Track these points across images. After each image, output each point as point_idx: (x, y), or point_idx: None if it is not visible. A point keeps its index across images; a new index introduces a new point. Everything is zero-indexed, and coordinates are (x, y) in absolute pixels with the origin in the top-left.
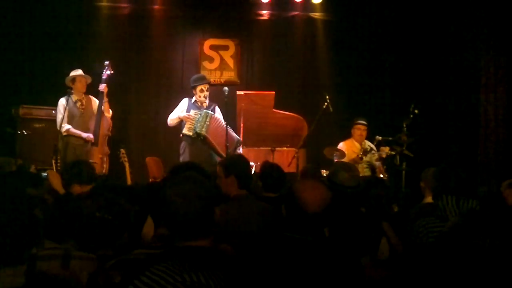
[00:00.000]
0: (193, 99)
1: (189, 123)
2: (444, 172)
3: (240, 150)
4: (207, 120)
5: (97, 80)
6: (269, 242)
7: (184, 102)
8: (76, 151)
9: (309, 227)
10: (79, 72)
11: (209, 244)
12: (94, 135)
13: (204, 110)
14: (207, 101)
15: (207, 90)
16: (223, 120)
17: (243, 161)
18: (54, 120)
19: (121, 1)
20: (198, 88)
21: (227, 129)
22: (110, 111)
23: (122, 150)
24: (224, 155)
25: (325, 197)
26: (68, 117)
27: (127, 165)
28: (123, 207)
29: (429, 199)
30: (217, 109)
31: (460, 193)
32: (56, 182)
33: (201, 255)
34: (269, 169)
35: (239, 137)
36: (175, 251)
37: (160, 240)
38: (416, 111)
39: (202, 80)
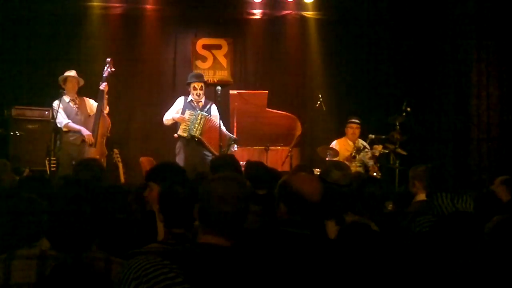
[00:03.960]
0: (189, 98)
1: (184, 124)
2: (437, 170)
3: (235, 148)
4: (201, 122)
5: (91, 78)
6: (266, 239)
7: (180, 101)
8: (72, 152)
9: (310, 218)
10: (72, 73)
11: (228, 244)
12: (92, 135)
13: (199, 112)
14: (202, 100)
15: (200, 89)
16: (218, 120)
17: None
18: (47, 121)
19: (113, 1)
20: (191, 86)
21: (220, 129)
22: (107, 108)
23: (116, 151)
24: (217, 154)
25: (321, 188)
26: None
27: (120, 165)
28: (131, 207)
29: (421, 197)
30: (214, 107)
31: (454, 191)
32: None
33: (216, 254)
34: (253, 167)
35: (233, 136)
36: (188, 249)
37: (175, 238)
38: (408, 109)
39: (196, 77)
